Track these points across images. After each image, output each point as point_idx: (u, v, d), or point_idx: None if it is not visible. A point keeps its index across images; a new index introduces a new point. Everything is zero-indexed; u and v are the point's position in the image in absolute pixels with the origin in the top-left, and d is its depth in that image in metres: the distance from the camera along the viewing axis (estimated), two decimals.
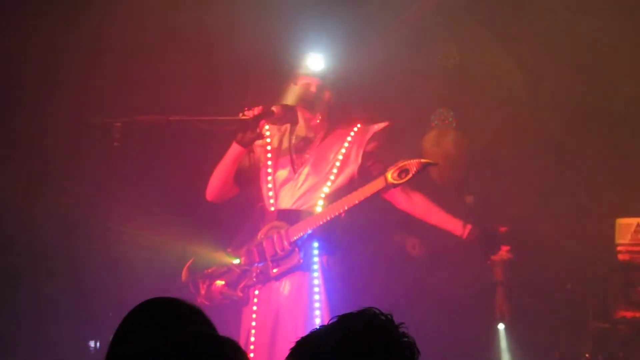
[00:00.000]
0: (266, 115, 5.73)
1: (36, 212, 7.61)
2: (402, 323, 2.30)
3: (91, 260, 6.98)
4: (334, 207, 5.65)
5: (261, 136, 5.85)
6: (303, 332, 5.38)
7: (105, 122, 6.07)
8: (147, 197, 7.66)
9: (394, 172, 5.58)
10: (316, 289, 5.69)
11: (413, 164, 5.54)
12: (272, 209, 5.85)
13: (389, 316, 2.30)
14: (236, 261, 5.85)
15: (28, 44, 7.61)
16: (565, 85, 8.19)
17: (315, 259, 5.76)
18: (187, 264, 5.99)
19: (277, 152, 5.93)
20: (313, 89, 5.84)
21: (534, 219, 7.82)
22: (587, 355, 6.89)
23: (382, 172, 5.69)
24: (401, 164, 5.58)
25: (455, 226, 5.91)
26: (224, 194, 5.97)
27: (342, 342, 2.25)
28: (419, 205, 5.91)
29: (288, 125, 6.03)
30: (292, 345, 2.33)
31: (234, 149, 5.85)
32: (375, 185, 5.61)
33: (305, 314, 5.60)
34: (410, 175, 5.53)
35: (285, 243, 5.70)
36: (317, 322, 5.58)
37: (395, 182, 5.58)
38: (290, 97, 5.82)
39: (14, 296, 7.50)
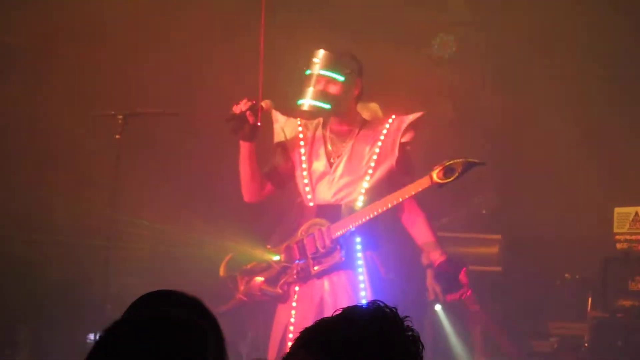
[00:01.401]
0: (254, 111, 5.68)
1: (35, 205, 7.63)
2: (407, 317, 2.28)
3: (91, 252, 6.99)
4: (377, 205, 5.58)
5: (255, 126, 5.76)
6: None
7: (106, 114, 6.06)
8: (158, 191, 7.69)
9: (439, 171, 5.51)
10: (362, 285, 5.60)
11: (458, 164, 5.48)
12: (311, 204, 5.79)
13: (394, 310, 2.29)
14: (276, 258, 5.78)
15: (28, 37, 7.66)
16: (563, 76, 8.21)
17: (359, 255, 5.68)
18: (226, 260, 5.92)
19: (311, 146, 5.83)
20: (332, 87, 5.75)
21: (533, 209, 7.84)
22: (585, 344, 6.90)
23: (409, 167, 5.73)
24: (447, 163, 5.50)
25: (434, 254, 5.80)
26: (257, 192, 5.85)
27: (348, 336, 2.23)
28: (415, 226, 5.82)
29: (320, 119, 5.90)
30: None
31: (242, 145, 5.79)
32: (421, 184, 5.54)
33: None
34: (456, 174, 5.47)
35: (327, 240, 5.64)
36: None
37: (440, 181, 5.51)
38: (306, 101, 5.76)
39: (12, 288, 7.50)
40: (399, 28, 8.23)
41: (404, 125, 5.80)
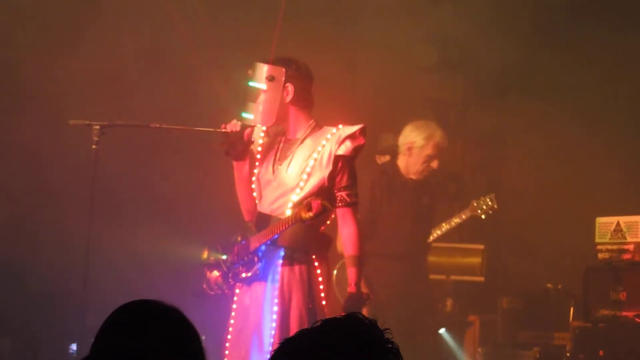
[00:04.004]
0: (247, 127, 5.65)
1: (13, 216, 7.61)
2: (387, 329, 2.29)
3: (71, 262, 6.97)
4: (275, 227, 5.51)
5: (249, 144, 5.71)
6: (260, 341, 5.38)
7: (84, 124, 6.02)
8: (131, 199, 7.70)
9: (305, 206, 5.34)
10: (276, 301, 5.47)
11: (316, 204, 5.27)
12: (258, 209, 5.73)
13: (373, 321, 2.29)
14: (223, 257, 5.77)
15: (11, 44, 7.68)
16: (547, 87, 8.26)
17: (278, 269, 5.54)
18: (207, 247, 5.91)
19: (265, 153, 5.78)
20: (263, 98, 5.63)
21: (515, 219, 7.86)
22: (567, 354, 6.92)
23: (340, 182, 5.52)
24: (308, 199, 5.32)
25: (350, 276, 5.57)
26: (255, 209, 5.78)
27: (325, 348, 2.23)
28: (344, 239, 5.59)
29: (281, 126, 5.75)
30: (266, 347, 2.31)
31: (236, 166, 5.75)
32: (294, 217, 5.38)
33: (263, 323, 5.47)
34: (311, 213, 5.29)
35: (245, 252, 5.60)
36: (273, 332, 5.42)
37: (305, 217, 5.33)
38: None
39: None
40: (382, 38, 8.26)
41: (341, 137, 5.54)
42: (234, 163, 5.78)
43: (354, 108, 7.24)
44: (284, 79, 5.61)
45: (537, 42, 8.27)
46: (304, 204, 5.34)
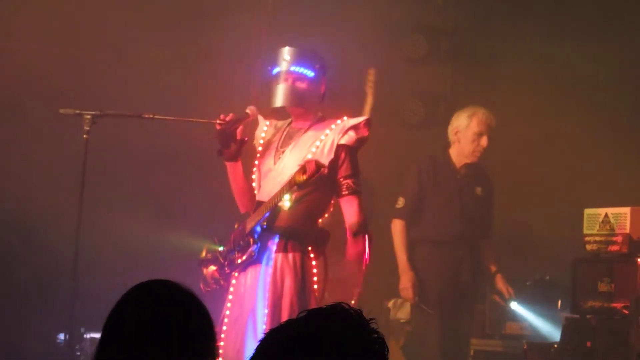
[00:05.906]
0: (241, 121, 5.64)
1: (1, 203, 7.61)
2: (373, 319, 2.31)
3: (60, 252, 6.98)
4: (269, 201, 5.50)
5: (242, 144, 5.71)
6: (254, 329, 5.39)
7: (75, 113, 6.01)
8: (123, 189, 7.70)
9: (299, 170, 5.33)
10: (268, 287, 5.47)
11: (310, 165, 5.24)
12: (257, 199, 5.74)
13: (358, 311, 2.31)
14: (220, 248, 5.78)
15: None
16: (535, 77, 8.27)
17: (272, 255, 5.54)
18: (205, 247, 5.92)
19: (268, 143, 5.75)
20: (301, 84, 5.63)
21: (503, 210, 7.88)
22: (555, 345, 6.94)
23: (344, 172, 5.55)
24: (302, 163, 5.31)
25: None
26: (251, 203, 5.78)
27: (311, 337, 2.25)
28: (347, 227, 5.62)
29: (290, 119, 5.76)
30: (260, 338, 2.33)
31: (228, 167, 5.76)
32: (288, 183, 5.36)
33: (257, 310, 5.48)
34: (305, 176, 5.27)
35: (241, 234, 5.60)
36: (265, 319, 5.42)
37: (299, 180, 5.33)
38: (278, 98, 5.65)
39: None
40: (371, 28, 8.26)
41: (345, 127, 5.57)
42: (227, 164, 5.78)
43: (342, 100, 7.23)
44: (324, 71, 5.71)
45: (526, 32, 8.28)
46: (298, 167, 5.35)
